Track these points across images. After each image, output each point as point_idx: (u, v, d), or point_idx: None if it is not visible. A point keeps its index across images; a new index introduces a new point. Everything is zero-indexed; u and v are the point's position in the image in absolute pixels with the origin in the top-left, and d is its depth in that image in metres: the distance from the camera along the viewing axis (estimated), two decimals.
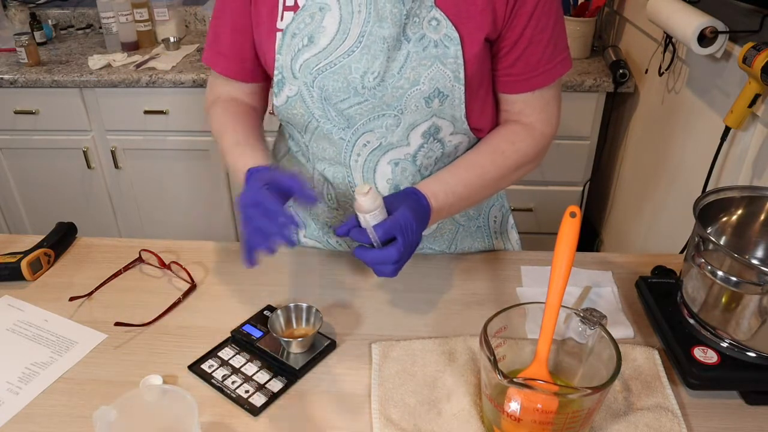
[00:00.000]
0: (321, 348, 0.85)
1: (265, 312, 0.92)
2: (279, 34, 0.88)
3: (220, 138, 0.97)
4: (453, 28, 0.84)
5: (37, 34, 2.51)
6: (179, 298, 0.96)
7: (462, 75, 0.87)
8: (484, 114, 0.95)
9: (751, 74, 1.25)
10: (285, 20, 0.88)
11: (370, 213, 0.78)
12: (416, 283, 1.00)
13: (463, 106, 0.89)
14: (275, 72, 0.90)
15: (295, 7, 0.87)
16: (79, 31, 2.73)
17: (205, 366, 0.83)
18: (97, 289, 0.99)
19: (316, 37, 0.86)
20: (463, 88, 0.88)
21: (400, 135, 0.91)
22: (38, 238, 1.08)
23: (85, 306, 0.96)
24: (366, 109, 0.89)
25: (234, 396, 0.79)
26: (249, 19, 0.93)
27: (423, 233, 0.91)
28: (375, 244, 0.81)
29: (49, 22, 2.65)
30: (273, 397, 0.79)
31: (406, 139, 0.91)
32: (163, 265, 1.04)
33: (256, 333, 0.87)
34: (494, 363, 0.65)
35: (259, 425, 0.75)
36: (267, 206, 0.76)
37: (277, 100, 0.93)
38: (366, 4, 0.84)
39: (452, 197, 0.90)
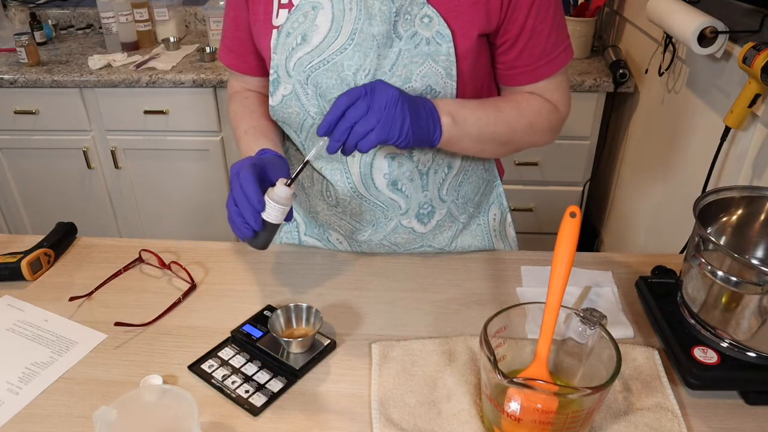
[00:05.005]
0: (321, 348, 0.85)
1: (265, 312, 0.92)
2: (274, 32, 0.89)
3: (234, 129, 1.01)
4: (445, 24, 0.84)
5: (37, 34, 2.51)
6: (179, 298, 0.96)
7: (454, 72, 0.87)
8: None
9: (751, 74, 1.25)
10: (280, 18, 0.89)
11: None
12: (416, 283, 1.00)
13: None
14: (271, 71, 0.91)
15: (289, 5, 0.88)
16: (79, 31, 2.73)
17: (205, 366, 0.83)
18: (97, 289, 0.99)
19: (309, 36, 0.87)
20: (455, 84, 0.88)
21: None
22: (38, 238, 1.08)
23: (85, 306, 0.96)
24: None
25: (234, 396, 0.79)
26: (248, 15, 0.95)
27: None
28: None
29: (49, 22, 2.65)
30: (273, 397, 0.79)
31: None
32: (163, 265, 1.04)
33: (256, 333, 0.87)
34: (494, 363, 0.65)
35: (259, 425, 0.75)
36: (241, 180, 0.79)
37: (272, 99, 0.93)
38: (357, 2, 0.84)
39: (461, 106, 0.88)
